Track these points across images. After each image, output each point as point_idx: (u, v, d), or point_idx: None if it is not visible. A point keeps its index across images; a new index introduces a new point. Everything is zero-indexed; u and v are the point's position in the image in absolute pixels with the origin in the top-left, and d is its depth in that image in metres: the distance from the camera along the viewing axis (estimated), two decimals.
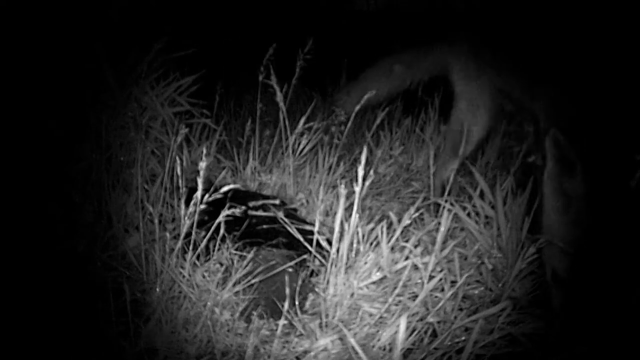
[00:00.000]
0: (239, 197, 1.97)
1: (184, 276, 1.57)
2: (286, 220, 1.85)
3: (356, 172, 1.47)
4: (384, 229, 1.68)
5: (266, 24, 3.50)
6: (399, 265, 1.66)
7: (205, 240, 1.63)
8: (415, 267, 1.64)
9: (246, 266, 1.66)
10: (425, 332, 1.47)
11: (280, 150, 2.39)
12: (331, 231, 1.61)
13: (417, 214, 1.70)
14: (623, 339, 1.33)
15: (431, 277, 1.61)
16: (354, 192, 1.49)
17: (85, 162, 1.89)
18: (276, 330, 1.48)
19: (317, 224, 1.63)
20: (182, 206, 1.52)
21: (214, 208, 1.59)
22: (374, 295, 1.64)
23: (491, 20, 2.02)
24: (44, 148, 1.81)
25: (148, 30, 2.17)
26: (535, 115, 1.81)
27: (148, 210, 1.72)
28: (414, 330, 1.46)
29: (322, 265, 1.73)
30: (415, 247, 1.66)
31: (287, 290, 1.56)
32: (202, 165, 1.45)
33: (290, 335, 1.53)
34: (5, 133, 1.73)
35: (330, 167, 2.34)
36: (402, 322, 1.27)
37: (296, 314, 1.57)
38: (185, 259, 1.60)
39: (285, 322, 1.50)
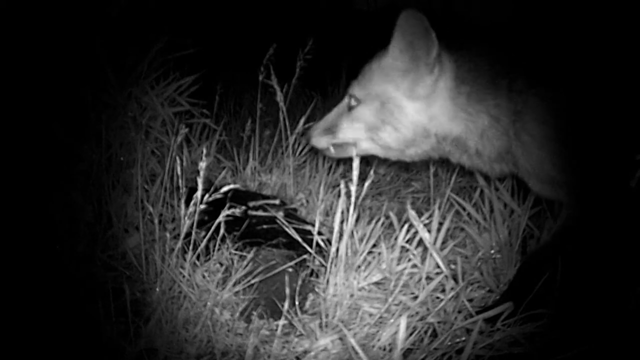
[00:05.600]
0: (239, 197, 1.97)
1: (184, 276, 1.57)
2: (284, 222, 1.85)
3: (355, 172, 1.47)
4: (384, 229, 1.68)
5: (266, 24, 3.50)
6: (400, 267, 1.66)
7: (205, 240, 1.63)
8: (416, 267, 1.65)
9: (246, 266, 1.65)
10: (426, 332, 1.47)
11: (280, 150, 2.39)
12: (331, 231, 1.61)
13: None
14: (623, 339, 1.33)
15: (431, 278, 1.61)
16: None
17: (85, 162, 1.89)
18: (276, 330, 1.48)
19: (317, 224, 1.63)
20: (182, 206, 1.52)
21: (214, 208, 1.59)
22: (374, 295, 1.65)
23: None
24: (45, 148, 1.81)
25: (148, 30, 2.17)
26: None
27: (148, 210, 1.72)
28: (414, 330, 1.46)
29: (322, 265, 1.73)
30: (416, 247, 1.66)
31: (287, 290, 1.56)
32: (202, 165, 1.45)
33: (290, 335, 1.53)
34: (6, 133, 1.73)
35: (330, 167, 2.34)
36: (402, 322, 1.27)
37: (296, 314, 1.57)
38: (185, 259, 1.60)
39: (285, 322, 1.50)
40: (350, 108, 1.73)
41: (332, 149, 1.83)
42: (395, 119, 1.65)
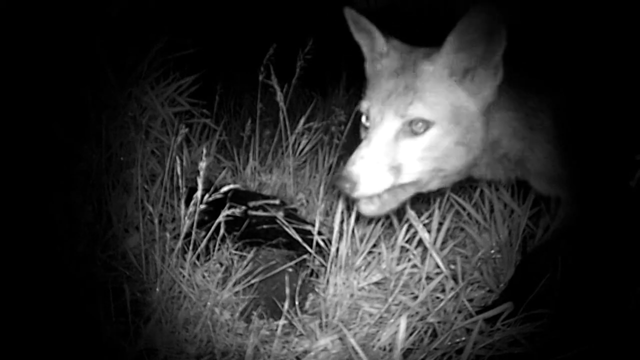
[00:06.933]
0: (239, 197, 1.97)
1: (184, 276, 1.57)
2: (284, 222, 1.84)
3: None
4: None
5: (266, 24, 3.49)
6: (400, 267, 1.66)
7: (205, 240, 1.63)
8: (416, 267, 1.65)
9: (246, 266, 1.66)
10: (426, 332, 1.47)
11: (280, 150, 2.39)
12: (331, 231, 1.61)
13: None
14: (623, 339, 1.33)
15: (431, 278, 1.61)
16: None
17: (85, 162, 1.89)
18: (276, 330, 1.48)
19: (317, 224, 1.63)
20: (182, 206, 1.52)
21: (214, 208, 1.59)
22: (374, 295, 1.65)
23: None
24: (45, 148, 1.81)
25: (148, 30, 2.17)
26: None
27: (148, 210, 1.72)
28: (414, 330, 1.46)
29: (322, 265, 1.73)
30: (416, 247, 1.66)
31: (287, 290, 1.57)
32: (202, 165, 1.46)
33: (290, 335, 1.53)
34: (6, 133, 1.73)
35: (330, 167, 2.34)
36: (402, 322, 1.27)
37: (296, 314, 1.57)
38: (185, 259, 1.60)
39: (285, 322, 1.50)
40: (415, 134, 1.38)
41: (376, 203, 1.45)
42: (470, 135, 1.42)
